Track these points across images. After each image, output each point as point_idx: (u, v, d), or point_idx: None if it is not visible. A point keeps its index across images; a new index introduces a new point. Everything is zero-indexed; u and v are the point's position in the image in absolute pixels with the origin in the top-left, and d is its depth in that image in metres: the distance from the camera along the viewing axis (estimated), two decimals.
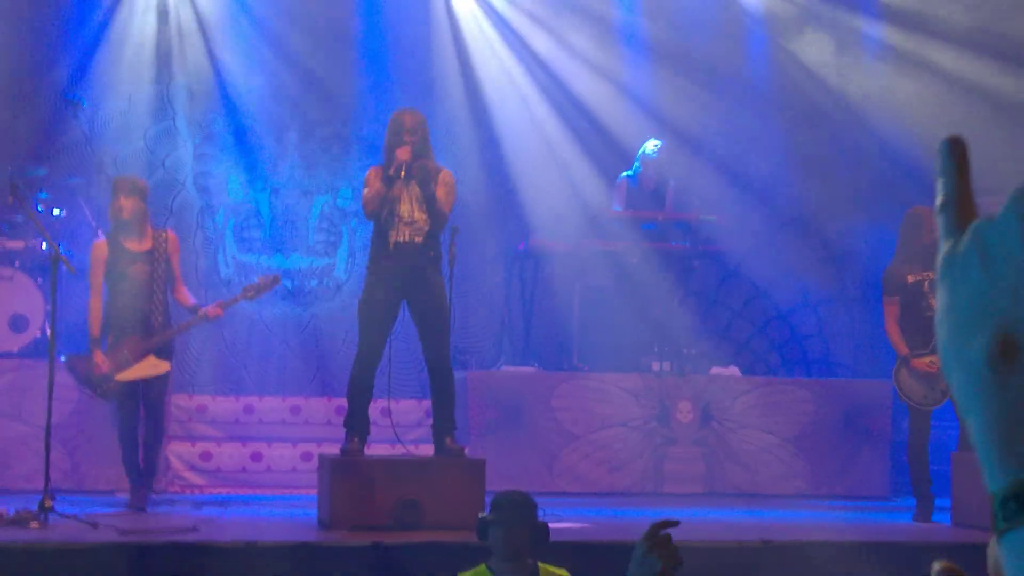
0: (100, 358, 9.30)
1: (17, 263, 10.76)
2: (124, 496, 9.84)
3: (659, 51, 13.82)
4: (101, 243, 9.52)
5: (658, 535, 2.83)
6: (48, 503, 8.10)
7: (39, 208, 10.85)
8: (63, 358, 9.49)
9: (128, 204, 9.49)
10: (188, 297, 9.80)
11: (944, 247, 1.03)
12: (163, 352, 9.54)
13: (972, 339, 0.96)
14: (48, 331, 9.66)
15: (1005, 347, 0.93)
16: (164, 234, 9.73)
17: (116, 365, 9.34)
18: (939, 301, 1.02)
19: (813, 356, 13.61)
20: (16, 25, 12.44)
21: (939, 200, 1.05)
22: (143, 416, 9.59)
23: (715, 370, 11.98)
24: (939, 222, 1.05)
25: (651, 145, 12.28)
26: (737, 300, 13.64)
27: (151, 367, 9.43)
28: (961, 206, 1.04)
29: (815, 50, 13.79)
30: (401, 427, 11.16)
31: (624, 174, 12.33)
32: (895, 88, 13.54)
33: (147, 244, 9.58)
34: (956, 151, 1.05)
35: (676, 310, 12.28)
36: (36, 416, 10.10)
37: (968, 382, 0.97)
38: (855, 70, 13.77)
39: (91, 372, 8.93)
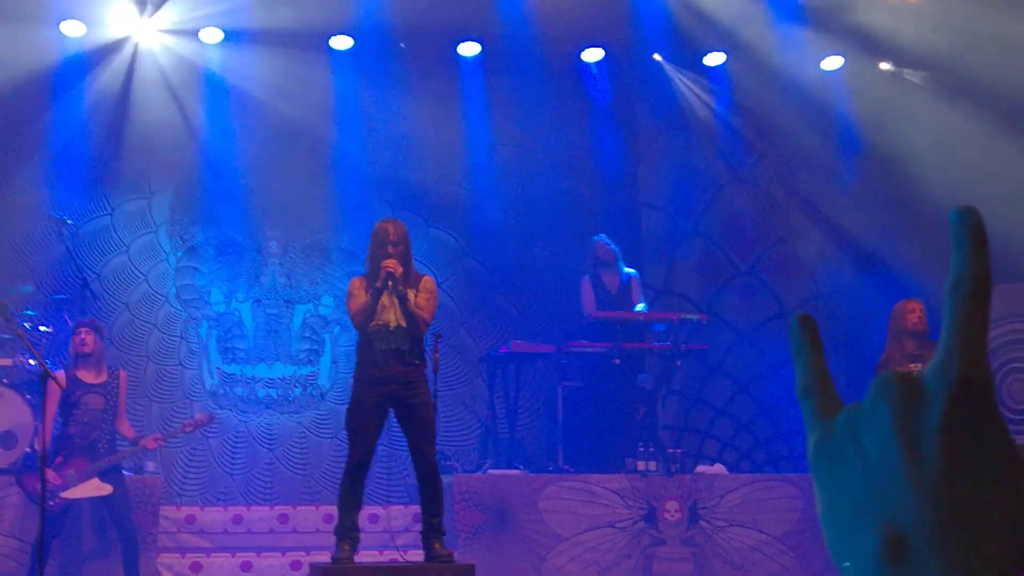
0: (50, 475, 9.76)
1: (5, 380, 10.80)
2: None
3: (632, 148, 14.00)
4: (60, 375, 9.90)
5: None
6: None
7: (26, 325, 10.92)
8: (14, 475, 10.31)
9: (89, 339, 10.32)
10: (129, 429, 10.57)
11: (812, 438, 0.97)
12: (107, 475, 10.17)
13: (860, 536, 0.91)
14: (37, 447, 9.75)
15: (897, 544, 0.88)
16: (117, 372, 10.55)
17: (63, 483, 10.01)
18: (818, 496, 0.96)
19: (799, 451, 13.66)
20: (0, 146, 12.59)
21: (799, 385, 0.99)
22: (117, 535, 10.27)
23: (701, 468, 12.02)
24: (803, 409, 0.99)
25: (596, 242, 12.36)
26: (721, 397, 13.73)
27: (95, 488, 10.12)
28: (822, 390, 0.98)
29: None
30: (388, 533, 11.18)
31: (584, 275, 12.41)
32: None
33: (102, 378, 10.40)
34: (806, 329, 0.99)
35: (660, 409, 12.35)
36: (18, 530, 10.20)
37: None
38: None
39: (43, 488, 8.98)
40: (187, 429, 10.62)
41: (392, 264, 8.60)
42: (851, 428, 0.93)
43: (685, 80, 13.87)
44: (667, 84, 13.78)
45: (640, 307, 12.20)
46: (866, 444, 0.91)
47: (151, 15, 12.77)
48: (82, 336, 10.35)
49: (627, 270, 12.37)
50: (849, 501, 0.92)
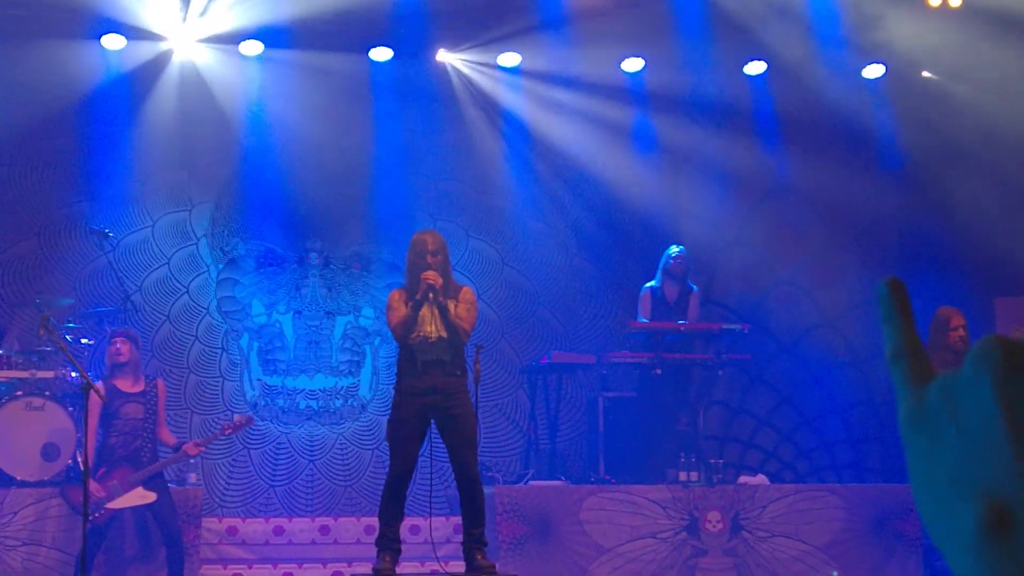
0: (94, 487, 9.82)
1: (48, 393, 10.85)
2: None
3: (677, 154, 13.96)
4: (100, 387, 9.97)
5: None
6: None
7: (68, 338, 10.97)
8: (59, 488, 10.39)
9: (124, 348, 10.39)
10: (170, 437, 10.61)
11: (904, 405, 0.95)
12: (150, 483, 10.21)
13: (961, 508, 0.88)
14: (80, 459, 9.79)
15: (1000, 517, 0.85)
16: (155, 382, 10.59)
17: (108, 494, 10.04)
18: (911, 463, 0.94)
19: (842, 461, 13.59)
20: (40, 161, 12.67)
21: (889, 351, 0.98)
22: (163, 541, 10.31)
23: (743, 479, 11.95)
24: (894, 375, 0.97)
25: (674, 252, 12.34)
26: (763, 407, 13.66)
27: (139, 497, 10.17)
28: (915, 356, 0.96)
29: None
30: (429, 544, 11.16)
31: (647, 285, 12.38)
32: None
33: (140, 387, 10.44)
34: (896, 295, 0.99)
35: (702, 420, 12.30)
36: (62, 542, 10.25)
37: (962, 554, 0.88)
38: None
39: (84, 500, 8.97)
40: (227, 432, 10.58)
41: (432, 276, 8.57)
42: (947, 397, 0.91)
43: (726, 88, 13.80)
44: (707, 92, 13.70)
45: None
46: (965, 413, 0.89)
47: (191, 28, 12.81)
48: (117, 346, 10.41)
49: (690, 283, 12.33)
50: (946, 473, 0.90)
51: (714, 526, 11.39)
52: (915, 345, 0.97)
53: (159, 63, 12.98)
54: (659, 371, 11.97)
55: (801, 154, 13.77)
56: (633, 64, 13.54)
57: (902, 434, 0.94)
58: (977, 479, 0.87)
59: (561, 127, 13.59)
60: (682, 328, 12.10)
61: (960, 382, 0.90)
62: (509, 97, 13.68)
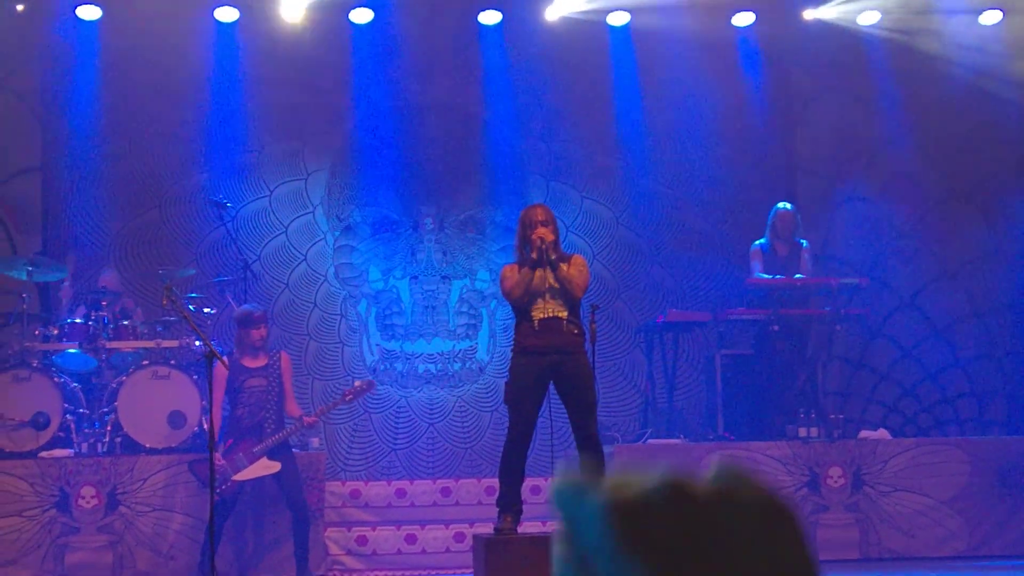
0: (219, 460, 9.99)
1: (173, 362, 11.06)
2: None
3: (787, 113, 13.85)
4: (224, 358, 10.10)
5: None
6: None
7: (191, 307, 11.16)
8: (188, 463, 10.53)
9: (266, 332, 10.67)
10: (297, 409, 10.71)
11: None
12: (275, 453, 10.37)
13: None
14: (205, 426, 9.98)
15: None
16: (278, 354, 10.76)
17: (233, 466, 10.22)
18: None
19: (965, 415, 13.42)
20: (158, 134, 12.87)
21: None
22: (289, 510, 10.46)
23: (864, 433, 11.86)
24: None
25: (781, 208, 12.26)
26: (883, 362, 13.52)
27: (264, 468, 10.35)
28: None
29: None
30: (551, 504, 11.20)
31: (757, 242, 12.31)
32: None
33: (262, 361, 10.56)
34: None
35: (821, 375, 12.21)
36: (192, 508, 10.46)
37: None
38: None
39: (211, 473, 9.14)
40: (348, 398, 10.70)
41: (543, 231, 8.62)
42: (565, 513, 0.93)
43: (838, 41, 13.63)
44: (821, 45, 13.54)
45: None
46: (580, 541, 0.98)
47: None
48: (263, 332, 10.61)
49: (799, 239, 12.24)
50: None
51: (835, 482, 11.33)
52: None
53: (270, 33, 13.10)
54: (776, 327, 11.91)
55: (917, 105, 13.56)
56: (744, 18, 13.42)
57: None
58: None
59: (672, 85, 13.51)
60: (798, 283, 12.02)
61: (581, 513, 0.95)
62: (619, 55, 13.61)
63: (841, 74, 13.75)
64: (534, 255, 8.59)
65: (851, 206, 13.76)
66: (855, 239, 13.66)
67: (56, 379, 10.93)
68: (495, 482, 9.12)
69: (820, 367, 12.22)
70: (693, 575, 0.83)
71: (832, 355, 12.84)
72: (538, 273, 8.61)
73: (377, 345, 13.17)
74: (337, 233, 13.25)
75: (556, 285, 8.62)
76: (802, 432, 11.57)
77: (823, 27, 13.52)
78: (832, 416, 11.87)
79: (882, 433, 11.94)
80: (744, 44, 13.62)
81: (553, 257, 8.62)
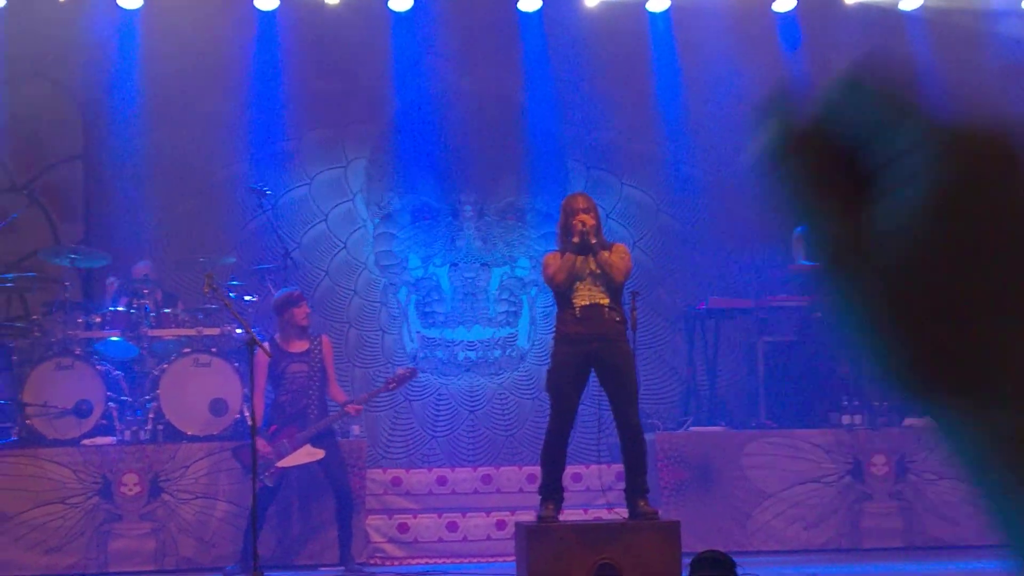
0: (263, 446, 9.95)
1: (214, 349, 11.08)
2: (328, 570, 10.23)
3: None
4: (266, 345, 10.09)
5: None
6: None
7: (232, 295, 11.18)
8: (231, 449, 10.53)
9: (300, 311, 10.55)
10: (340, 393, 10.73)
11: None
12: (319, 440, 10.35)
13: None
14: (247, 413, 10.01)
15: None
16: (319, 339, 10.67)
17: (277, 453, 10.20)
18: None
19: None
20: (199, 123, 12.89)
21: None
22: (333, 496, 10.47)
23: (909, 421, 11.78)
24: None
25: None
26: None
27: (307, 454, 10.33)
28: None
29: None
30: (591, 491, 11.22)
31: (799, 228, 12.23)
32: None
33: (304, 346, 10.52)
34: None
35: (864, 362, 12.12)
36: (235, 496, 10.49)
37: None
38: None
39: (255, 459, 9.15)
40: (391, 386, 10.70)
41: (584, 217, 8.63)
42: None
43: (881, 31, 13.53)
44: (863, 30, 13.45)
45: None
46: None
47: None
48: (306, 310, 10.63)
49: None
50: None
51: (879, 469, 11.26)
52: None
53: (310, 21, 13.11)
54: (819, 314, 11.82)
55: (960, 90, 13.41)
56: (784, 3, 13.34)
57: None
58: None
59: (712, 71, 13.44)
60: None
61: None
62: (659, 41, 13.55)
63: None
64: (576, 239, 8.59)
65: None
66: None
67: (98, 367, 10.98)
68: (536, 470, 9.12)
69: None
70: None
71: None
72: (579, 260, 8.61)
73: (417, 332, 13.17)
74: (377, 220, 13.25)
75: (597, 271, 8.61)
76: (846, 419, 11.51)
77: (865, 11, 13.42)
78: (876, 403, 11.80)
79: (927, 420, 11.83)
80: (785, 29, 13.53)
81: (594, 241, 8.61)
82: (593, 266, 8.63)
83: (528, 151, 13.40)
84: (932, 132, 0.79)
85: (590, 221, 8.66)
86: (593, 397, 9.04)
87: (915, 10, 13.38)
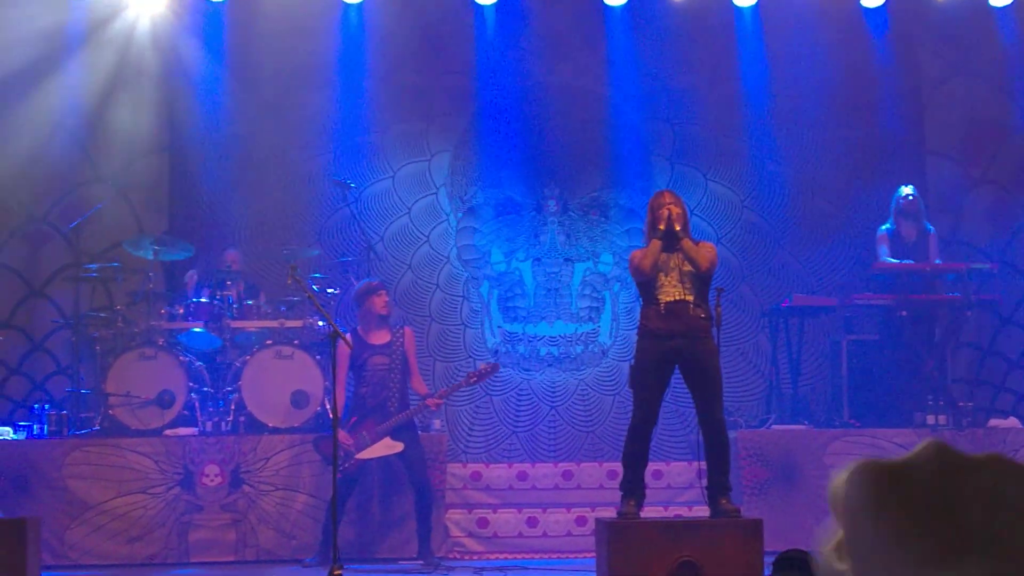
0: (344, 438, 10.00)
1: (296, 342, 11.13)
2: (407, 563, 10.25)
3: (916, 95, 13.60)
4: (348, 336, 9.99)
5: None
6: (338, 573, 8.28)
7: (315, 287, 11.21)
8: (312, 440, 10.55)
9: (380, 300, 10.58)
10: (422, 386, 10.72)
11: None
12: (399, 433, 10.34)
13: None
14: (328, 406, 10.03)
15: None
16: (401, 331, 10.65)
17: (357, 445, 10.21)
18: None
19: None
20: (285, 112, 12.94)
21: None
22: (412, 489, 10.48)
23: (994, 422, 11.63)
24: None
25: (904, 192, 12.08)
26: (1014, 349, 13.22)
27: (387, 447, 10.34)
28: None
29: None
30: (672, 489, 11.16)
31: (883, 227, 12.14)
32: None
33: (386, 338, 10.52)
34: None
35: (950, 362, 11.98)
36: (315, 488, 10.53)
37: None
38: None
39: (334, 451, 9.17)
40: (472, 380, 10.62)
41: (671, 207, 8.62)
42: None
43: (971, 21, 13.33)
44: (952, 25, 13.26)
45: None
46: None
47: None
48: (385, 299, 10.64)
49: (927, 224, 12.05)
50: None
51: None
52: None
53: (395, 14, 13.12)
54: (904, 312, 11.71)
55: None
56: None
57: None
58: None
59: (798, 66, 13.31)
60: (927, 268, 11.80)
61: None
62: (746, 35, 13.44)
63: (973, 55, 13.46)
64: (662, 225, 8.56)
65: (982, 190, 13.48)
66: (986, 224, 13.38)
67: (181, 358, 11.06)
68: (617, 466, 9.07)
69: (949, 353, 12.01)
70: (948, 529, 0.82)
71: (961, 342, 12.60)
72: (666, 256, 8.58)
73: (499, 327, 13.15)
74: (460, 214, 13.24)
75: (684, 267, 8.56)
76: (930, 420, 11.38)
77: (954, 6, 13.23)
78: (961, 404, 11.65)
79: (1012, 422, 11.71)
80: (873, 24, 13.38)
81: (678, 228, 8.58)
82: (679, 261, 8.58)
83: (612, 146, 13.34)
84: None
85: (676, 210, 8.65)
86: (669, 393, 8.97)
87: (1006, 6, 13.15)
